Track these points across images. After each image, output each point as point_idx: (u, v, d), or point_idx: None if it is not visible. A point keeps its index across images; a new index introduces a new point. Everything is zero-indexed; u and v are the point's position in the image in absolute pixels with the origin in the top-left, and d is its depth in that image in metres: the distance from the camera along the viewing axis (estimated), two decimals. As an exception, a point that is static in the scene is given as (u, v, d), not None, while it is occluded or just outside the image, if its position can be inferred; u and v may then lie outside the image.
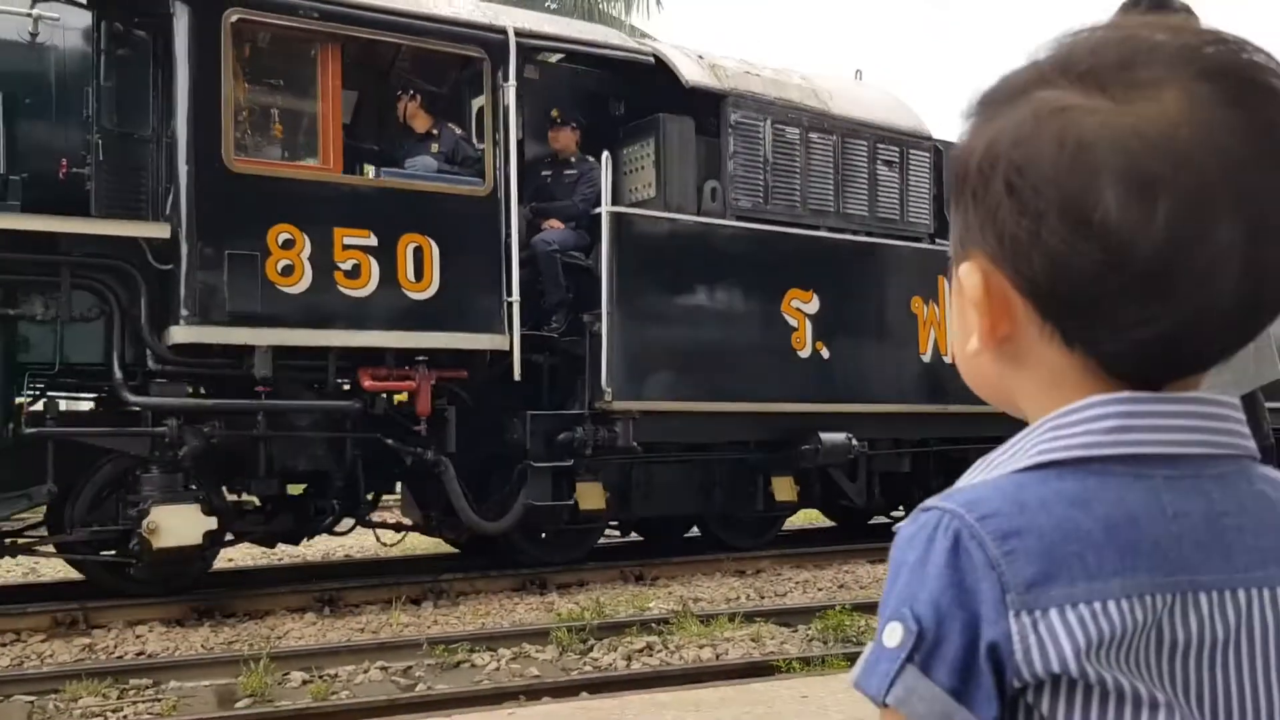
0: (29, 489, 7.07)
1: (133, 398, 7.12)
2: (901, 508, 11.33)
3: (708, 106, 9.31)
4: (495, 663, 6.16)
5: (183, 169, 7.12)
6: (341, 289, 7.50)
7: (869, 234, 9.99)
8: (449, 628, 7.02)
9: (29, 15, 7.30)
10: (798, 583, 8.78)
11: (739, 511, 9.93)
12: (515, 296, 8.08)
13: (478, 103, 8.70)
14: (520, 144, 8.44)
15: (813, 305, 9.55)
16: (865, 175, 10.02)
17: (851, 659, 5.52)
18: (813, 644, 6.53)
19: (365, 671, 5.96)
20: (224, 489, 7.77)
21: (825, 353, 9.60)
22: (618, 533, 10.54)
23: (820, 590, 8.53)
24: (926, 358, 10.12)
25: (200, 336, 7.12)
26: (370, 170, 8.38)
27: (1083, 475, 0.69)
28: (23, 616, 6.95)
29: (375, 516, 8.97)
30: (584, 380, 8.62)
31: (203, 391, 7.68)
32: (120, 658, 6.32)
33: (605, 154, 8.53)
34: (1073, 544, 0.67)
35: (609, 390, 8.44)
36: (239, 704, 5.40)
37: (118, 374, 7.09)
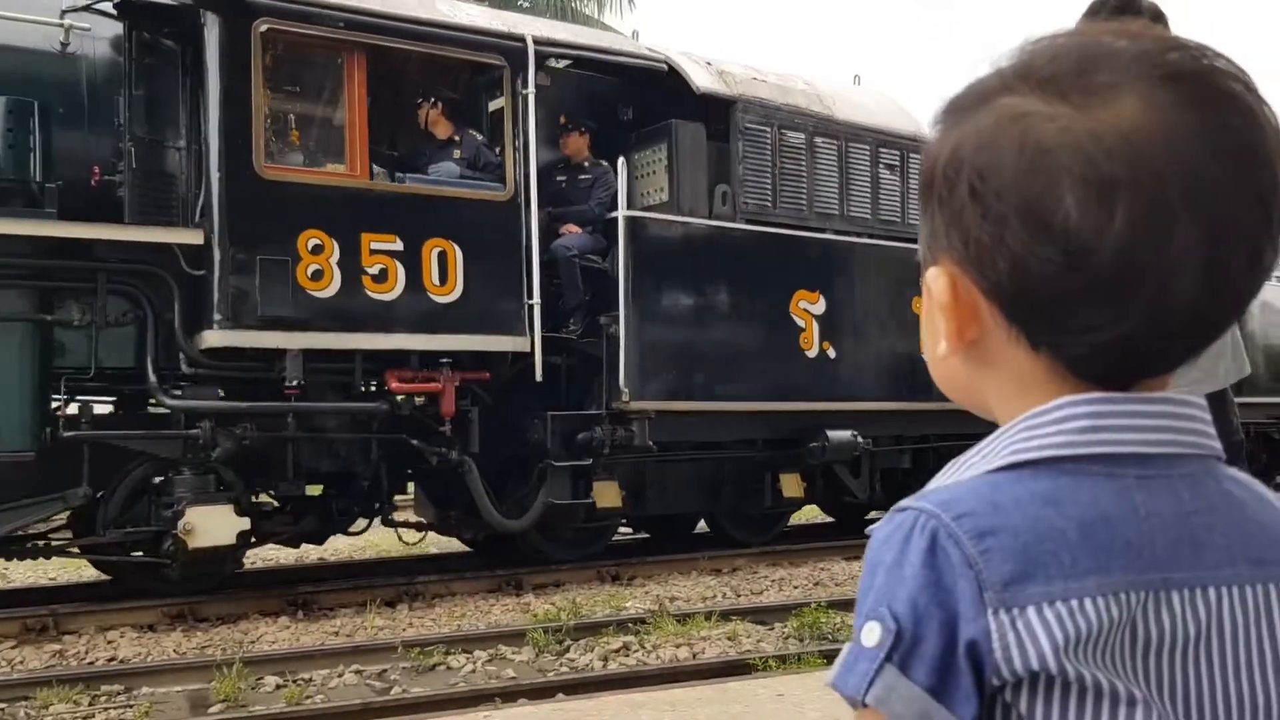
0: (63, 492, 7.19)
1: (168, 401, 7.25)
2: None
3: (716, 112, 9.52)
4: (471, 665, 6.11)
5: (214, 176, 7.25)
6: (369, 293, 7.66)
7: (872, 236, 10.23)
8: (424, 630, 6.99)
9: (60, 25, 7.39)
10: (773, 580, 8.82)
11: (747, 508, 10.15)
12: (536, 299, 8.26)
13: (494, 105, 8.88)
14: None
15: (819, 306, 9.78)
16: (868, 178, 10.26)
17: (827, 656, 5.67)
18: (789, 642, 6.54)
19: (340, 675, 5.89)
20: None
21: (831, 352, 9.83)
22: (629, 529, 10.73)
23: (796, 588, 8.56)
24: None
25: (233, 340, 7.25)
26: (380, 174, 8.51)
27: (1055, 475, 0.70)
28: (-9, 623, 6.83)
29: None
30: (600, 381, 8.80)
31: (221, 394, 7.79)
32: (91, 663, 6.25)
33: (621, 159, 8.72)
34: (1048, 542, 0.67)
35: (626, 391, 8.63)
36: (212, 709, 5.36)
37: (152, 378, 7.20)
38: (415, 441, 8.06)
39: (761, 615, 7.21)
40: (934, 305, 0.75)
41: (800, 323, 9.67)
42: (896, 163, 10.43)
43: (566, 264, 8.65)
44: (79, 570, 10.01)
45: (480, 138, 8.48)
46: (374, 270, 7.67)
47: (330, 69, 7.76)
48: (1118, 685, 0.66)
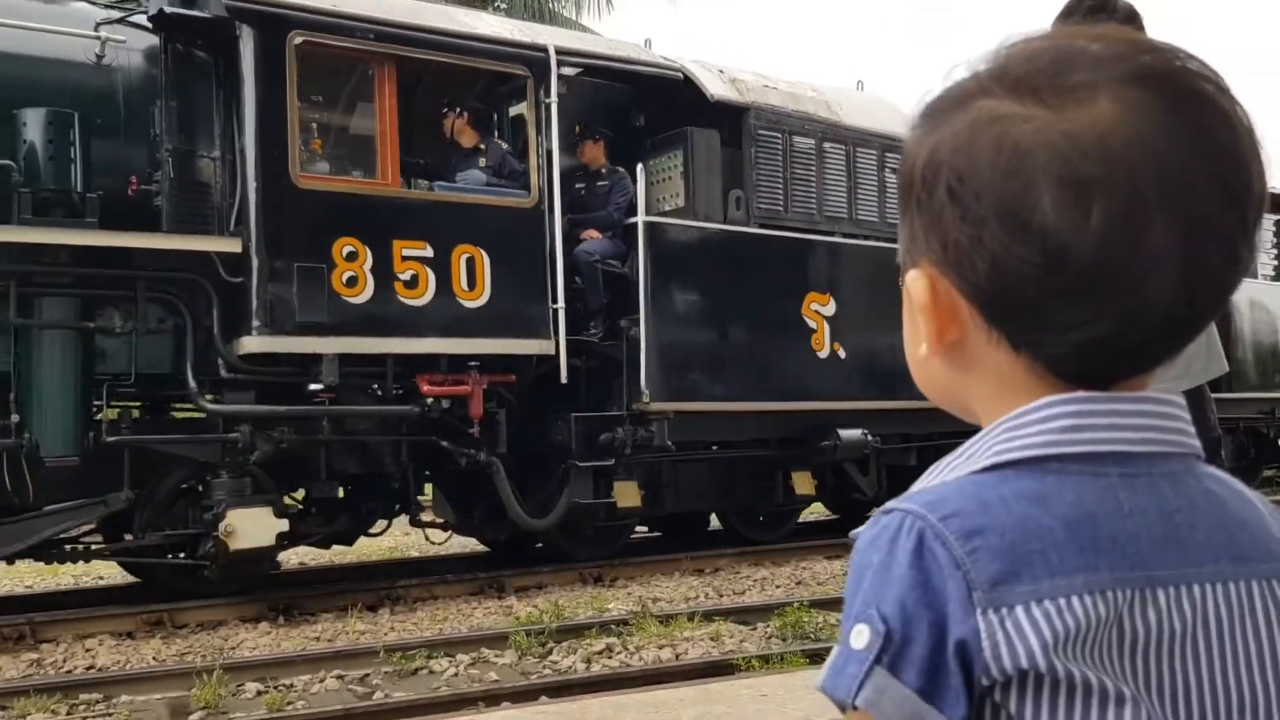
0: (105, 496, 7.32)
1: (209, 405, 7.39)
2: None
3: (728, 119, 9.73)
4: (454, 669, 6.08)
5: (251, 186, 7.41)
6: (401, 298, 7.83)
7: (879, 239, 10.46)
8: (406, 634, 6.97)
9: (96, 38, 7.52)
10: (756, 580, 8.88)
11: (760, 505, 10.38)
12: (560, 303, 8.45)
13: (513, 111, 9.07)
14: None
15: (830, 308, 10.01)
16: (875, 182, 10.51)
17: (810, 656, 5.80)
18: (772, 642, 6.54)
19: (321, 681, 5.85)
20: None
21: (842, 353, 10.06)
22: (644, 528, 10.94)
23: (778, 587, 8.60)
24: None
25: (271, 346, 7.41)
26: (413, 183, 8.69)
27: (1040, 474, 0.70)
28: (-33, 633, 6.77)
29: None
30: (621, 383, 9.00)
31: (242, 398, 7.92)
32: (70, 672, 6.20)
33: (640, 166, 8.93)
34: (1035, 541, 0.67)
35: (647, 392, 8.83)
36: (192, 716, 5.33)
37: (192, 383, 7.35)
38: (445, 443, 8.23)
39: (744, 615, 7.20)
40: (914, 307, 0.75)
41: (811, 324, 9.90)
42: (902, 167, 10.65)
43: (589, 268, 8.85)
44: (55, 578, 10.06)
45: (505, 146, 8.67)
46: (406, 276, 7.85)
47: (361, 80, 7.92)
48: (1106, 683, 0.66)
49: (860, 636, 0.67)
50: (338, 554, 10.55)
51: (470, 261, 8.12)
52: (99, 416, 7.36)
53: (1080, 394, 0.71)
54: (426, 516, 10.06)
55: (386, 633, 7.04)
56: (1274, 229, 14.20)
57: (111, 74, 7.60)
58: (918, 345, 0.76)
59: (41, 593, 9.25)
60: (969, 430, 0.76)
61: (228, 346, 7.45)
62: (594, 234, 9.11)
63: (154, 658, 6.46)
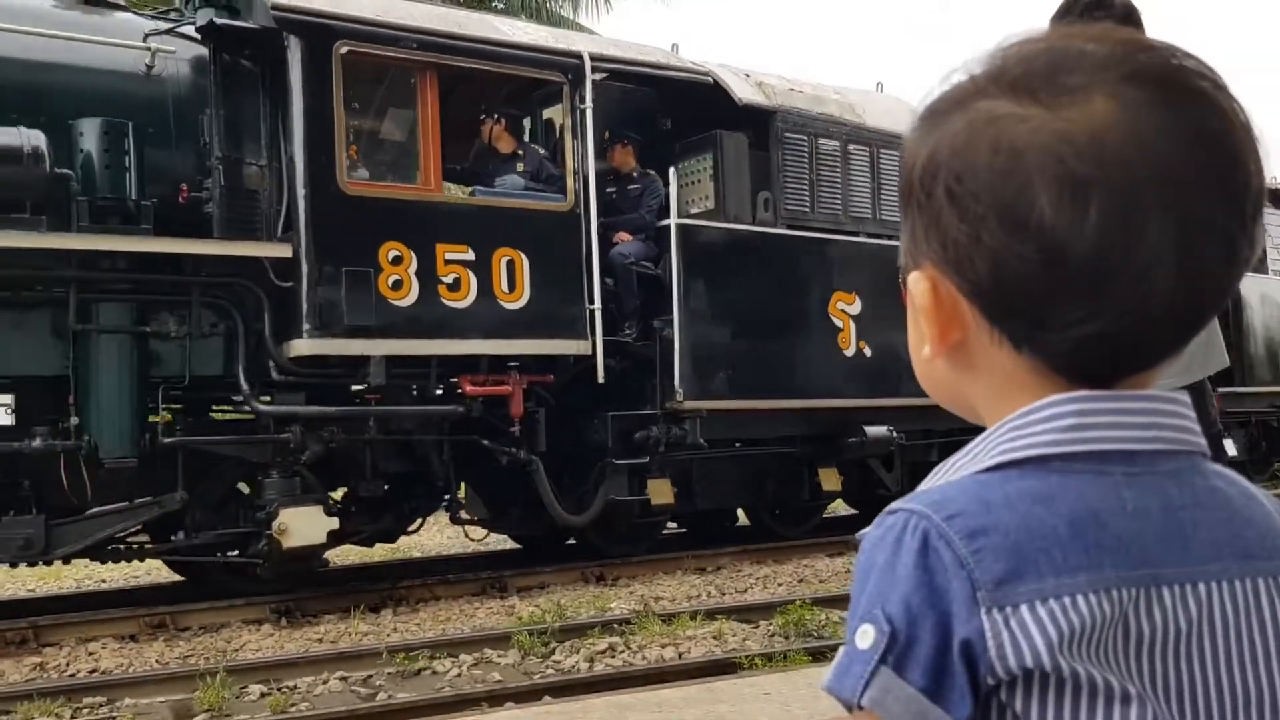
0: (160, 497, 7.50)
1: (261, 407, 7.58)
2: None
3: (755, 121, 9.92)
4: (457, 669, 6.07)
5: (300, 192, 7.59)
6: (444, 301, 8.02)
7: (902, 238, 10.64)
8: (409, 635, 6.98)
9: (147, 49, 7.70)
10: (758, 579, 8.88)
11: (788, 501, 10.58)
12: (597, 304, 8.64)
13: (550, 113, 9.25)
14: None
15: (855, 307, 10.21)
16: (898, 183, 10.69)
17: (814, 654, 5.86)
18: (774, 640, 6.53)
19: (325, 682, 5.85)
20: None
21: (867, 351, 10.26)
22: (673, 524, 11.13)
23: (780, 585, 8.59)
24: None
25: (322, 349, 7.59)
26: (452, 187, 8.86)
27: (1044, 473, 0.70)
28: (-30, 637, 6.75)
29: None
30: (654, 382, 9.19)
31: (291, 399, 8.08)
32: (73, 675, 6.19)
33: (672, 170, 9.12)
34: (1039, 540, 0.67)
35: (681, 391, 9.03)
36: (196, 719, 5.34)
37: (244, 385, 7.53)
38: (486, 442, 8.42)
39: (747, 614, 7.19)
40: (917, 309, 0.76)
41: (838, 323, 10.10)
42: (923, 167, 10.84)
43: (623, 270, 9.04)
44: (58, 581, 10.12)
45: (543, 151, 8.85)
46: (449, 279, 8.03)
47: (404, 88, 8.11)
48: (1111, 681, 0.66)
49: (865, 636, 0.67)
50: (339, 554, 10.61)
51: (510, 264, 8.31)
52: (153, 418, 7.54)
53: (1084, 393, 0.71)
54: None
55: (389, 634, 7.07)
56: (1284, 224, 14.39)
57: (161, 84, 7.78)
58: (921, 347, 0.77)
59: (44, 596, 9.33)
60: (986, 426, 0.77)
61: (279, 349, 7.62)
62: (626, 236, 9.30)
63: (157, 660, 6.46)
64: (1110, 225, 0.66)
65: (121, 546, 7.84)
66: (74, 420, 7.10)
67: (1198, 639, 0.70)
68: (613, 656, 6.20)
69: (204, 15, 7.62)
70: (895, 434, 10.31)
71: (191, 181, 7.71)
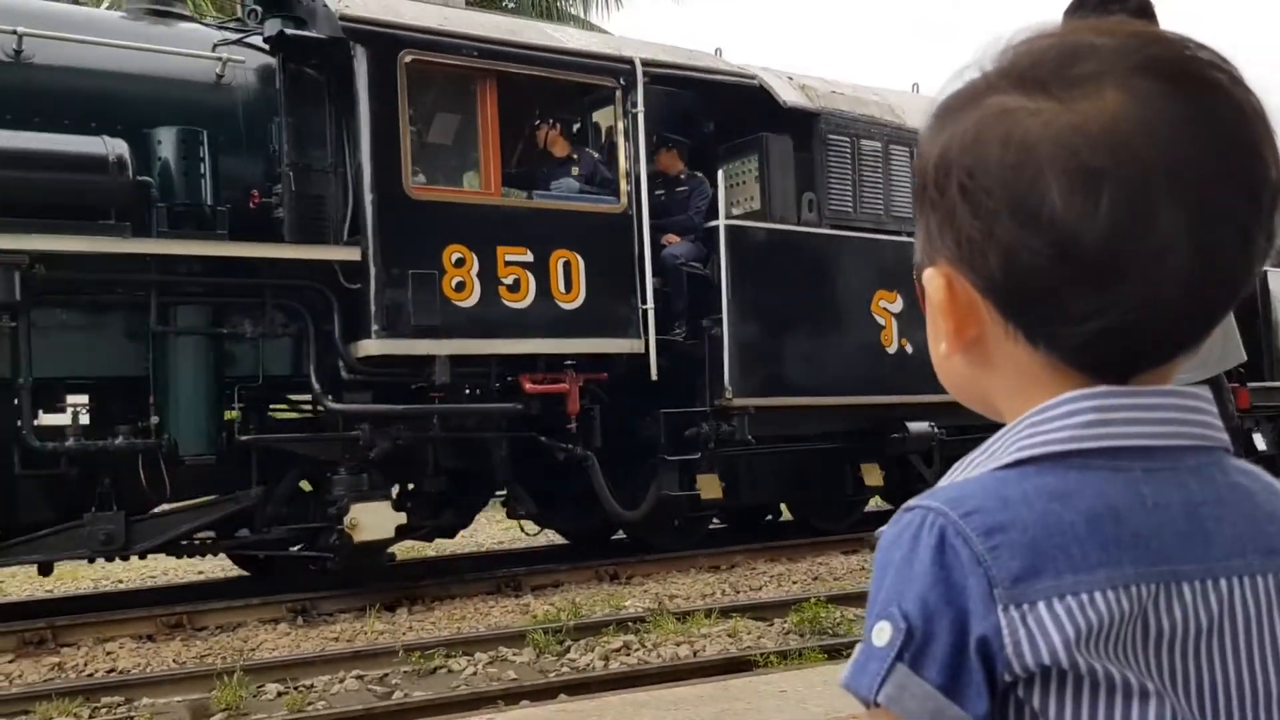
0: (236, 493, 7.75)
1: (332, 405, 7.82)
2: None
3: (797, 123, 10.13)
4: (472, 667, 6.09)
5: (368, 197, 7.83)
6: (505, 302, 8.25)
7: (941, 237, 10.84)
8: (424, 634, 7.01)
9: (217, 58, 7.94)
10: (772, 576, 8.91)
11: (831, 496, 10.79)
12: (650, 304, 8.86)
13: (600, 116, 9.48)
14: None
15: (897, 305, 10.40)
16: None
17: (828, 651, 5.94)
18: (789, 637, 6.54)
19: (341, 681, 5.87)
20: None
21: (909, 348, 10.45)
22: (717, 519, 11.35)
23: (795, 583, 8.62)
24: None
25: (390, 349, 7.83)
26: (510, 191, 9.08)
27: (1062, 470, 0.70)
28: (-11, 638, 6.80)
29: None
30: (704, 380, 9.41)
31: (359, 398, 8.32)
32: (91, 675, 6.21)
33: (720, 172, 9.36)
34: (1056, 537, 0.67)
35: (730, 388, 9.24)
36: (213, 718, 5.38)
37: (315, 384, 7.77)
38: (544, 438, 8.65)
39: (761, 611, 7.20)
40: (933, 306, 0.76)
41: (880, 321, 10.29)
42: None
43: (674, 270, 9.26)
44: (75, 581, 10.28)
45: (597, 155, 9.08)
46: (509, 281, 8.26)
47: (465, 94, 8.34)
48: (1130, 678, 0.66)
49: (882, 633, 0.67)
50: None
51: (567, 265, 8.54)
52: (228, 417, 7.78)
53: (1102, 388, 0.71)
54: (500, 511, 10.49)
55: (405, 632, 7.11)
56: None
57: (231, 92, 8.02)
58: (939, 344, 0.77)
59: (61, 597, 9.46)
60: None
61: (347, 349, 7.86)
62: (674, 238, 9.51)
63: (174, 660, 6.50)
64: (1122, 217, 0.66)
65: (195, 541, 8.09)
66: (154, 419, 7.35)
67: (1219, 635, 0.69)
68: (628, 655, 6.23)
69: (272, 26, 7.88)
70: (936, 429, 10.51)
71: (261, 187, 7.95)
